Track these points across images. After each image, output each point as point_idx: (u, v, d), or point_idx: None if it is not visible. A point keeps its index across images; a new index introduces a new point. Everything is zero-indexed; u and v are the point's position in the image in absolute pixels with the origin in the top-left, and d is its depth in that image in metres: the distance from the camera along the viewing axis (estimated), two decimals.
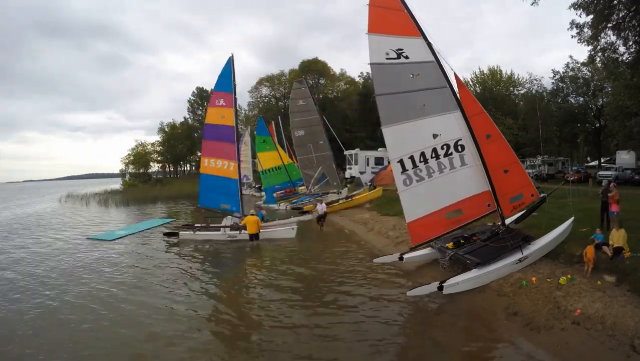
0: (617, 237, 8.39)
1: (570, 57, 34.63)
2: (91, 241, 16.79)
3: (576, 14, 13.03)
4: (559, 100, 36.16)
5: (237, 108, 66.70)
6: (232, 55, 16.91)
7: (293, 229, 15.85)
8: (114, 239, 16.73)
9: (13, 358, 6.47)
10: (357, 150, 36.79)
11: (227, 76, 16.74)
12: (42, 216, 28.57)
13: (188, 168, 77.90)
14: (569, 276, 8.01)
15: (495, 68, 43.04)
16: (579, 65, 34.15)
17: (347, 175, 36.81)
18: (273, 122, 39.77)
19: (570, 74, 34.83)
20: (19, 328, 7.57)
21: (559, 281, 7.91)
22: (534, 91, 38.19)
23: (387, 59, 9.12)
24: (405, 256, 10.43)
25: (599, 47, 13.71)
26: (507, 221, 10.29)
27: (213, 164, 16.83)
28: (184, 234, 16.02)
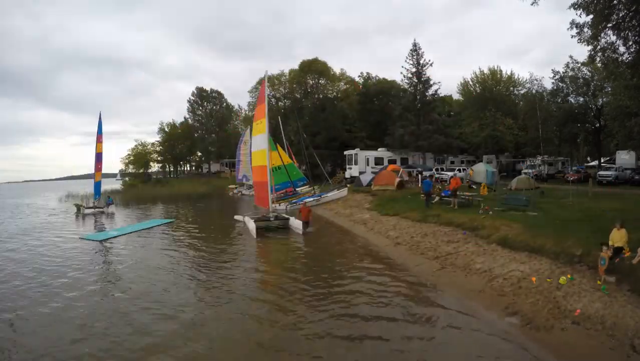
0: (618, 237, 8.38)
1: (570, 57, 34.54)
2: (83, 241, 16.71)
3: (576, 14, 13.01)
4: (559, 100, 36.10)
5: (238, 108, 65.27)
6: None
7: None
8: (106, 239, 16.73)
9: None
10: (357, 150, 36.79)
11: None
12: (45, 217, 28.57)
13: (188, 168, 77.90)
14: (569, 276, 8.01)
15: (495, 68, 43.06)
16: (579, 65, 34.12)
17: (347, 175, 36.81)
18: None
19: (570, 74, 34.78)
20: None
21: (559, 281, 7.92)
22: (534, 91, 38.14)
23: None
24: None
25: (599, 47, 13.67)
26: None
27: None
28: None
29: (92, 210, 28.50)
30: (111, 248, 15.39)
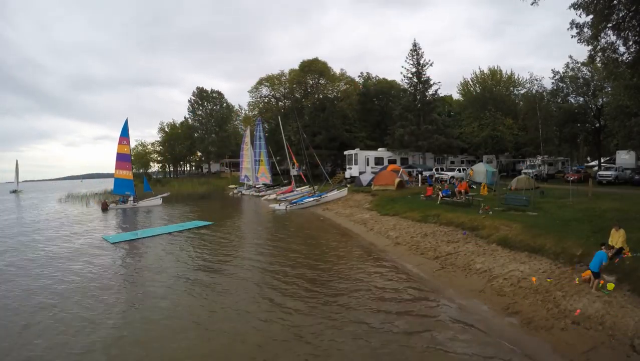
0: (617, 237, 8.38)
1: (570, 57, 34.58)
2: (106, 242, 16.27)
3: (576, 14, 13.03)
4: (559, 100, 36.10)
5: (238, 108, 65.32)
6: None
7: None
8: (125, 241, 16.25)
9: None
10: (357, 150, 36.79)
11: None
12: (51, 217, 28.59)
13: (188, 168, 77.89)
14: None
15: (495, 68, 43.07)
16: (579, 65, 34.12)
17: (347, 175, 36.82)
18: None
19: (570, 74, 34.78)
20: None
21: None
22: (534, 91, 38.12)
23: None
24: None
25: (599, 47, 13.68)
26: None
27: None
28: None
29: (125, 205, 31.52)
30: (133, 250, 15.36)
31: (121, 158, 32.28)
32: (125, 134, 32.39)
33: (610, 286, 7.32)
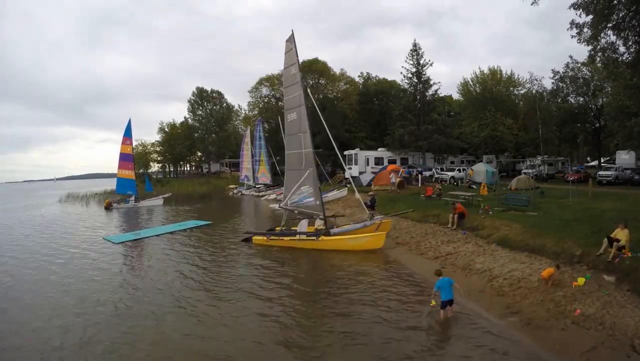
0: (621, 236, 8.34)
1: (570, 57, 34.58)
2: (108, 242, 16.27)
3: (576, 14, 13.04)
4: (559, 100, 36.11)
5: (238, 108, 65.04)
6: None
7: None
8: (125, 241, 16.20)
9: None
10: (357, 150, 36.77)
11: None
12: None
13: (188, 168, 77.89)
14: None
15: (495, 68, 43.02)
16: (579, 65, 34.12)
17: (347, 175, 36.81)
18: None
19: (570, 74, 34.78)
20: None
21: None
22: (534, 91, 38.10)
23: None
24: None
25: (599, 47, 13.70)
26: None
27: None
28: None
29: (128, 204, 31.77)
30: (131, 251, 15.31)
31: (124, 158, 32.54)
32: (128, 134, 32.60)
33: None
